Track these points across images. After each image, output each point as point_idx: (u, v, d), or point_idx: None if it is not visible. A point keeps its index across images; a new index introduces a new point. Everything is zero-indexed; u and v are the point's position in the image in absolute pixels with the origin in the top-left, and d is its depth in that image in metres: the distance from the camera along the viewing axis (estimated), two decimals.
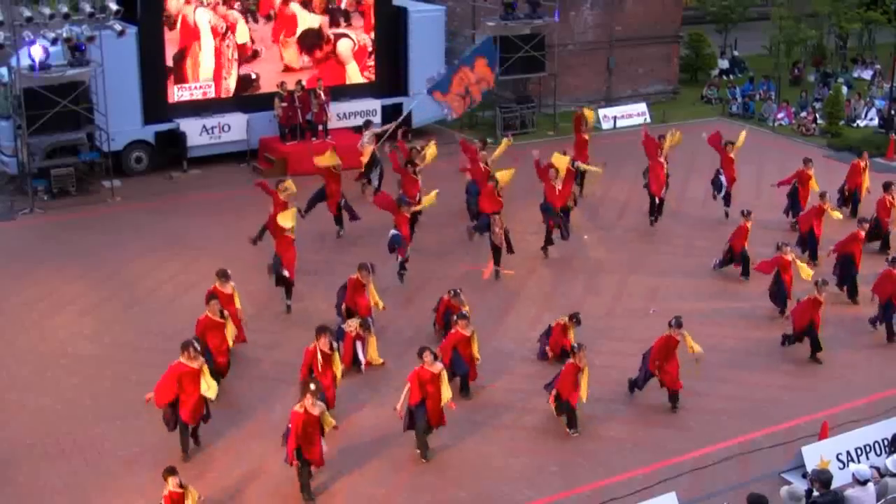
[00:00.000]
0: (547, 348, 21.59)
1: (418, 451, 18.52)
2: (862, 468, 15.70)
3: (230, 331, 20.23)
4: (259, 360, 21.48)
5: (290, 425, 17.04)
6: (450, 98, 30.68)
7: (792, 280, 23.59)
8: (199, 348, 18.46)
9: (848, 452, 17.85)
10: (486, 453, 18.57)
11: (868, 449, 18.02)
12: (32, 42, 28.71)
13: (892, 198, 27.65)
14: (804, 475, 17.18)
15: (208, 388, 18.05)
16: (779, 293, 23.66)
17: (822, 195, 26.82)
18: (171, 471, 15.71)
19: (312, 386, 17.36)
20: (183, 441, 18.31)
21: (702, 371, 21.25)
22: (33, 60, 28.94)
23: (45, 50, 29.05)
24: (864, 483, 15.31)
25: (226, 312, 20.34)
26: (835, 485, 15.48)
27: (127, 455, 18.26)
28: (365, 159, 30.40)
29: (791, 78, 46.93)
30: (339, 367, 19.37)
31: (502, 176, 26.90)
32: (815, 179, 28.51)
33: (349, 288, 22.09)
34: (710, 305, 24.24)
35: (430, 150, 28.79)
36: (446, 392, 18.31)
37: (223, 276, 21.16)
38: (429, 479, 17.91)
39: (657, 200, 28.55)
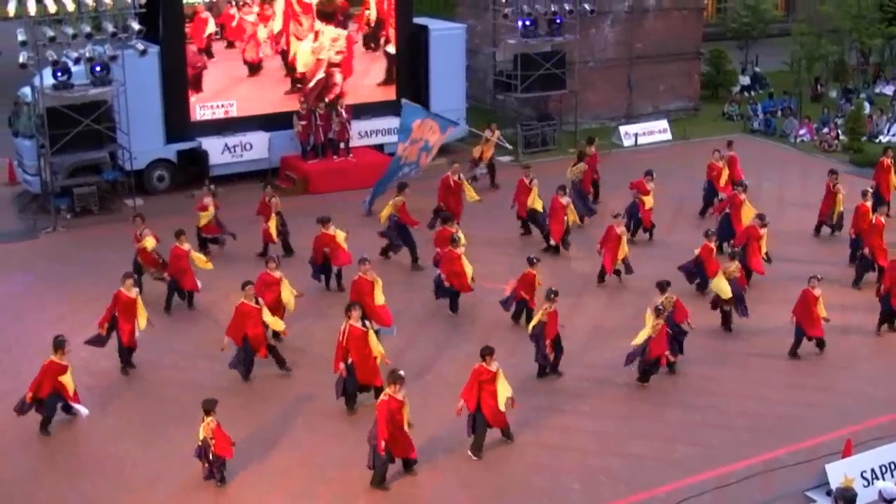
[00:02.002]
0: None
1: (471, 450, 18.89)
2: (888, 485, 15.62)
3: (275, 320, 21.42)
4: (281, 374, 21.53)
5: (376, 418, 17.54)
6: (411, 151, 31.04)
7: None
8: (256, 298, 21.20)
9: (872, 470, 17.71)
10: (507, 470, 18.53)
11: (893, 466, 17.87)
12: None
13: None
14: (828, 493, 17.08)
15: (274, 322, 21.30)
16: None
17: (865, 193, 27.38)
18: (212, 403, 17.71)
19: (401, 373, 17.94)
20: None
21: (724, 387, 21.25)
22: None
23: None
24: (890, 501, 15.22)
25: (261, 300, 21.19)
26: (859, 503, 15.38)
27: (148, 473, 18.29)
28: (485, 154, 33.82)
29: (812, 94, 46.83)
30: (376, 345, 19.93)
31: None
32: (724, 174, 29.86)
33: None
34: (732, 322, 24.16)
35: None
36: (503, 391, 18.75)
37: (128, 277, 21.97)
38: (452, 497, 17.88)
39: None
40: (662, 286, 22.01)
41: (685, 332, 22.08)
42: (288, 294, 22.47)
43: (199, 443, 17.79)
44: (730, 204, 28.12)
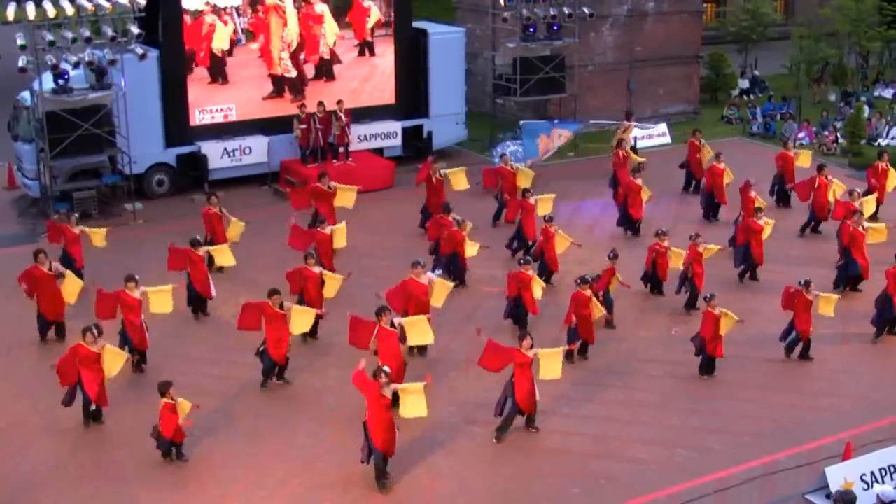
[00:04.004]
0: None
1: (496, 432, 19.34)
2: (887, 489, 15.65)
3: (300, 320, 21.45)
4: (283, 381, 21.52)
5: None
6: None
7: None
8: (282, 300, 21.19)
9: (872, 473, 17.70)
10: (509, 475, 18.52)
11: (892, 469, 17.86)
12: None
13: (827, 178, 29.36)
14: (828, 496, 17.09)
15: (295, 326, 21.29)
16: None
17: (852, 193, 27.80)
18: (166, 386, 18.28)
19: (386, 369, 18.00)
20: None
21: (725, 391, 21.27)
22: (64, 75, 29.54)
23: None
24: None
25: (286, 305, 21.16)
26: None
27: (149, 477, 18.29)
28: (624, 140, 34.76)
29: (813, 81, 46.95)
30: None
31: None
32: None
33: None
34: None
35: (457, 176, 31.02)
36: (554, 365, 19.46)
37: (131, 279, 21.74)
38: (452, 501, 17.86)
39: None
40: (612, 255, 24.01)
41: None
42: (332, 285, 22.94)
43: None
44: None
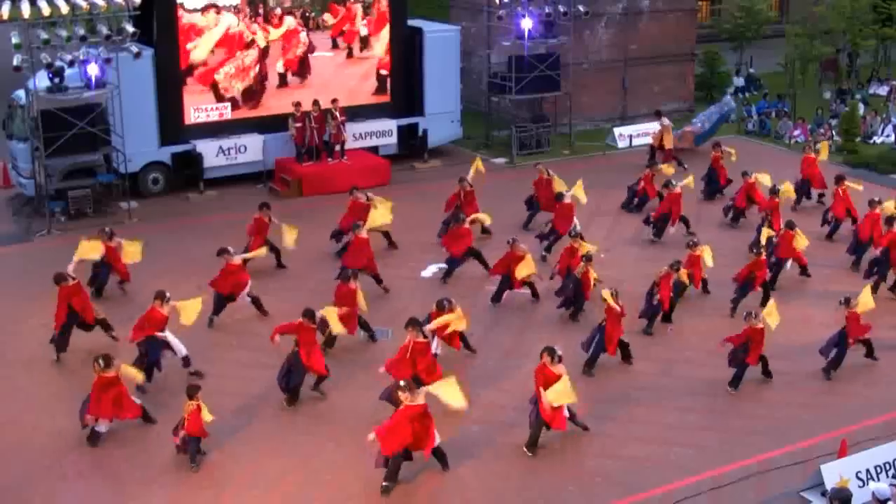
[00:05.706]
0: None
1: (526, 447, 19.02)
2: (882, 486, 15.61)
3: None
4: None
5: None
6: None
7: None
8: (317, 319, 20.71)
9: (867, 470, 17.74)
10: (504, 473, 18.52)
11: (888, 467, 17.91)
12: (87, 62, 29.38)
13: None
14: (823, 494, 17.09)
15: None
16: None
17: (871, 203, 27.41)
18: (195, 389, 18.32)
19: (402, 383, 17.89)
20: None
21: (720, 389, 21.26)
22: (89, 77, 29.66)
23: (101, 69, 29.64)
24: (884, 502, 15.23)
25: (318, 314, 20.84)
26: (854, 503, 15.41)
27: (144, 476, 18.26)
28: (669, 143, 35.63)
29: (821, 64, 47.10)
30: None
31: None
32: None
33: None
34: (727, 323, 24.10)
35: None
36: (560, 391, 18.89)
37: (161, 297, 21.26)
38: (447, 499, 17.91)
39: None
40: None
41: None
42: (361, 300, 22.66)
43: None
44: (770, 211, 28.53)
